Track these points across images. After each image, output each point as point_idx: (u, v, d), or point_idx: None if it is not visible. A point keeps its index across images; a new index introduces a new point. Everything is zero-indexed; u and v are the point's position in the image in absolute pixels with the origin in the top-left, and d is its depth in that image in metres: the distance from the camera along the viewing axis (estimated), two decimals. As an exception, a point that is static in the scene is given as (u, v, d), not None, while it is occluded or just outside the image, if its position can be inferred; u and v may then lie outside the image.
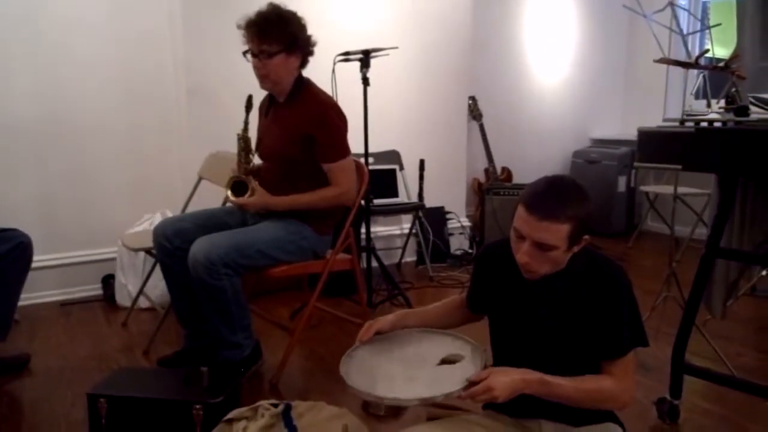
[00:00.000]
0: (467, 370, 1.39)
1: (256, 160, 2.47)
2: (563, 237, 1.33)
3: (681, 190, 3.45)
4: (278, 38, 2.27)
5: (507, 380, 1.30)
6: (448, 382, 1.36)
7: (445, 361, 1.47)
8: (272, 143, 2.38)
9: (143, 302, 3.23)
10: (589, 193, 1.38)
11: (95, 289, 3.54)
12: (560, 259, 1.38)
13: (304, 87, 2.41)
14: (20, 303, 2.59)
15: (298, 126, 2.33)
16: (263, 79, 2.35)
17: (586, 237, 1.38)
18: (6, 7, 3.18)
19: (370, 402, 2.19)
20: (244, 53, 2.33)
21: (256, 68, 2.33)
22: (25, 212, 3.28)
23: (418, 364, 1.47)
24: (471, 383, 1.30)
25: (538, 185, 1.37)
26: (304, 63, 2.41)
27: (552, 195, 1.34)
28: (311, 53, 2.42)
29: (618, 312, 1.40)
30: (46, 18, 3.27)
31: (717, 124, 1.92)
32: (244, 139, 2.37)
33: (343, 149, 2.38)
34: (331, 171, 2.36)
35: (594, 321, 1.40)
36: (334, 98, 2.86)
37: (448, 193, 4.44)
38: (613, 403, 1.41)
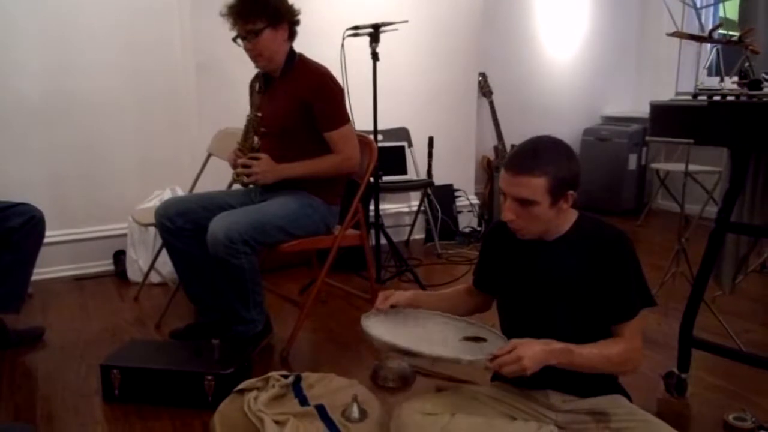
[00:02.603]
0: (491, 348, 1.40)
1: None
2: (542, 191, 1.36)
3: (692, 167, 3.43)
4: (260, 15, 2.29)
5: (534, 351, 1.31)
6: (473, 353, 1.37)
7: (467, 339, 1.48)
8: (271, 116, 2.39)
9: (154, 277, 3.26)
10: (573, 151, 1.43)
11: (107, 265, 3.57)
12: (547, 217, 1.40)
13: (297, 60, 2.43)
14: (34, 278, 2.62)
15: (296, 97, 2.34)
16: (257, 58, 2.38)
17: (572, 192, 1.41)
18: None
19: (382, 366, 2.22)
20: (234, 39, 2.36)
21: (247, 50, 2.36)
22: (36, 189, 3.30)
23: (439, 339, 1.48)
24: (496, 356, 1.32)
25: (516, 147, 1.45)
26: (292, 34, 2.42)
27: (527, 151, 1.40)
28: (297, 22, 2.43)
29: (625, 276, 1.42)
30: (54, -5, 3.27)
31: (730, 98, 1.90)
32: (252, 119, 2.39)
33: (342, 116, 2.40)
34: (332, 139, 2.38)
35: (601, 286, 1.41)
36: (343, 73, 2.85)
37: (457, 170, 4.42)
38: (630, 365, 1.43)
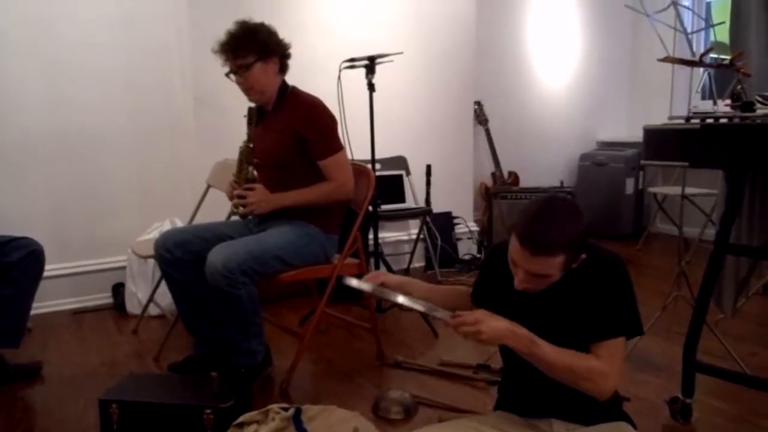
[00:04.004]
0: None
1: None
2: (558, 266, 1.34)
3: (689, 190, 3.44)
4: (250, 50, 2.34)
5: (496, 324, 1.32)
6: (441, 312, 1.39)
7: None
8: (266, 150, 2.41)
9: (153, 310, 3.25)
10: (582, 211, 1.37)
11: (106, 298, 3.56)
12: (557, 277, 1.39)
13: (289, 92, 2.47)
14: (32, 311, 2.61)
15: (289, 128, 2.37)
16: (249, 92, 2.42)
17: (583, 256, 1.38)
18: (17, 22, 3.22)
19: (383, 397, 2.19)
20: (227, 75, 2.40)
21: (239, 84, 2.41)
22: (36, 222, 3.30)
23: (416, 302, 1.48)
24: (456, 315, 1.33)
25: (528, 213, 1.35)
26: (283, 67, 2.46)
27: (544, 227, 1.31)
28: (288, 56, 2.47)
29: (610, 293, 1.40)
30: (55, 31, 3.32)
31: (723, 121, 1.92)
32: (244, 150, 2.40)
33: (335, 144, 2.42)
34: (326, 167, 2.40)
35: (588, 304, 1.40)
36: (340, 104, 2.88)
37: (456, 198, 4.44)
38: (593, 385, 1.35)
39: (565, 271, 1.37)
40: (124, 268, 3.42)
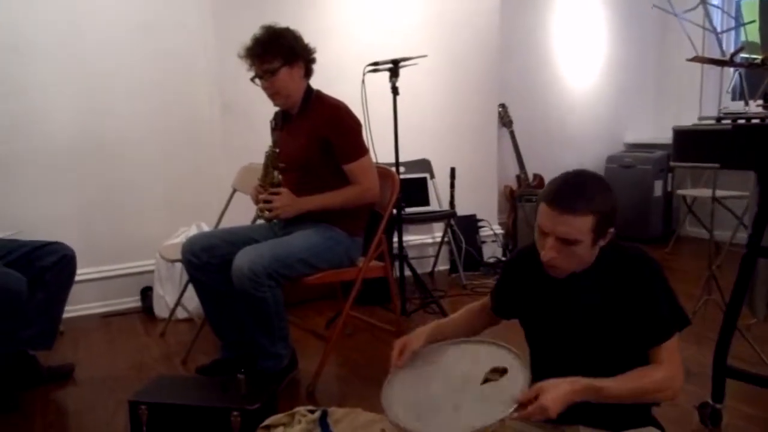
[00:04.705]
0: (514, 385, 1.35)
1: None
2: (587, 230, 1.32)
3: (719, 192, 3.38)
4: (276, 54, 2.35)
5: (558, 395, 1.27)
6: (497, 402, 1.31)
7: (488, 379, 1.43)
8: (291, 153, 2.42)
9: (181, 313, 3.29)
10: (612, 188, 1.37)
11: (134, 301, 3.62)
12: (586, 255, 1.37)
13: (314, 96, 2.48)
14: (64, 315, 2.66)
15: (314, 133, 2.38)
16: (274, 96, 2.44)
17: (612, 230, 1.37)
18: (43, 30, 3.29)
19: None
20: (252, 80, 2.42)
21: (265, 89, 2.43)
22: (66, 227, 3.37)
23: (461, 387, 1.42)
24: (521, 405, 1.28)
25: (557, 180, 1.36)
26: (308, 72, 2.47)
27: (572, 188, 1.33)
28: (313, 60, 2.48)
29: (653, 295, 1.37)
30: (81, 39, 3.38)
31: (755, 121, 1.88)
32: (270, 155, 2.42)
33: (360, 148, 2.42)
34: (351, 171, 2.40)
35: (630, 310, 1.37)
36: (364, 108, 2.89)
37: (480, 200, 4.42)
38: (667, 392, 1.36)
39: (595, 244, 1.35)
40: (152, 272, 3.48)
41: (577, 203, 1.30)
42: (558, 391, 1.27)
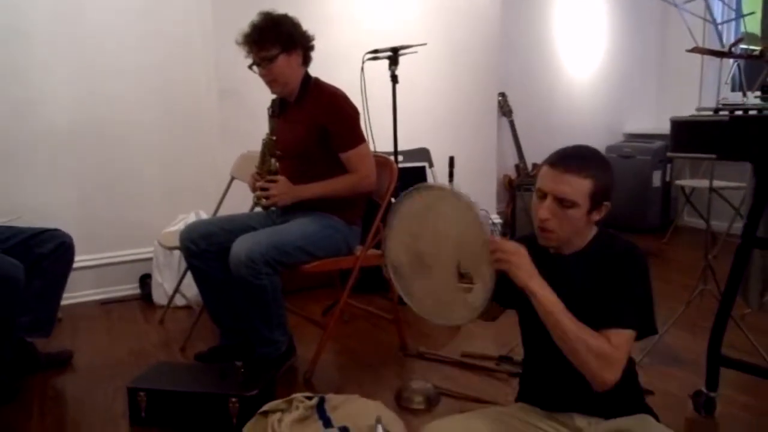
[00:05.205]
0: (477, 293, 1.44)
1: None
2: (584, 194, 1.37)
3: (717, 183, 3.38)
4: (274, 41, 2.34)
5: (531, 268, 1.35)
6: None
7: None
8: (288, 141, 2.42)
9: (179, 300, 3.30)
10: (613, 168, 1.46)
11: (133, 288, 3.63)
12: (580, 224, 1.40)
13: (312, 84, 2.47)
14: (62, 302, 2.67)
15: (311, 121, 2.38)
16: (272, 84, 2.43)
17: (607, 204, 1.41)
18: (45, 15, 3.28)
19: (406, 387, 2.20)
20: (250, 66, 2.41)
21: (262, 76, 2.42)
22: (65, 214, 3.37)
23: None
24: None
25: (561, 148, 1.46)
26: (306, 59, 2.47)
27: (574, 152, 1.43)
28: (312, 48, 2.47)
29: (627, 284, 1.38)
30: (82, 25, 3.37)
31: (752, 112, 1.88)
32: (267, 142, 2.42)
33: (358, 136, 2.43)
34: (348, 159, 2.40)
35: (605, 291, 1.38)
36: (363, 96, 2.89)
37: (479, 190, 4.41)
38: (598, 364, 1.30)
39: (590, 213, 1.39)
40: (150, 259, 3.49)
41: (576, 165, 1.38)
42: (533, 268, 1.37)
